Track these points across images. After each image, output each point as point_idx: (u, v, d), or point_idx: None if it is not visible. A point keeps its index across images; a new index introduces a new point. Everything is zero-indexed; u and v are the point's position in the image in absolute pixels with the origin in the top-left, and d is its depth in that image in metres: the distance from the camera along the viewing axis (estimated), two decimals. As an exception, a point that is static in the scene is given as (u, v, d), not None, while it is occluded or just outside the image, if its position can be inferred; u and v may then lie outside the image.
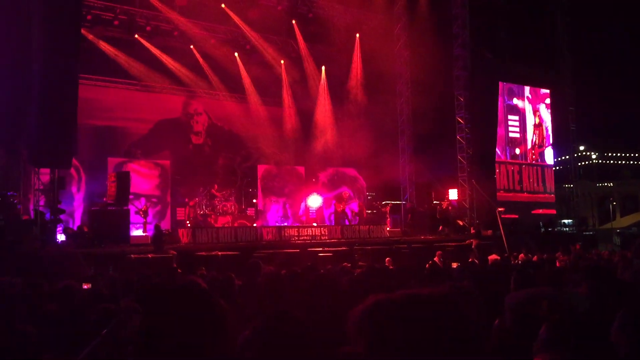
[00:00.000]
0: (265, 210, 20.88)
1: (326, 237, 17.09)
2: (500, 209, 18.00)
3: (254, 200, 20.81)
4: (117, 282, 6.94)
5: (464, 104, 22.54)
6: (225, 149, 21.78)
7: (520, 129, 24.65)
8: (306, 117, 22.78)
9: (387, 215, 20.60)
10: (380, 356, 1.40)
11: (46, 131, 13.61)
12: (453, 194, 22.11)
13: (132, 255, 12.72)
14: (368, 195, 23.36)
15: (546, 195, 25.08)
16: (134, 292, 6.04)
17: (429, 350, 1.37)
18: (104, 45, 18.95)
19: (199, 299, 1.59)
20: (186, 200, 18.60)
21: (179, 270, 9.76)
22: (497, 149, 23.48)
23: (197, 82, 20.93)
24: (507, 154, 24.00)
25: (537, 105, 25.32)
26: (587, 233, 25.71)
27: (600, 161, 68.13)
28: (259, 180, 20.91)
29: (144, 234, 16.14)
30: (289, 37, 22.47)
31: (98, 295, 5.45)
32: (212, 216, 18.25)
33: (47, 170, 14.68)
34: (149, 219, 17.33)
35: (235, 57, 21.40)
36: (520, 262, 11.13)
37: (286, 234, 16.65)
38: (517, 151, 24.39)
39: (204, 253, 13.78)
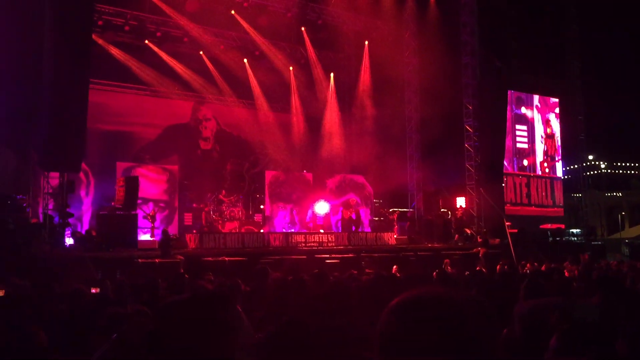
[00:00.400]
0: (273, 216, 20.87)
1: (333, 244, 17.07)
2: (507, 223, 17.80)
3: (262, 206, 20.82)
4: (125, 286, 6.95)
5: (472, 112, 22.49)
6: (234, 154, 21.85)
7: (528, 140, 24.06)
8: (314, 124, 22.82)
9: (395, 223, 20.56)
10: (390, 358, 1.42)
11: (56, 135, 13.71)
12: (461, 202, 22.04)
13: (140, 260, 12.75)
14: (375, 202, 23.33)
15: (555, 209, 24.51)
16: (142, 296, 6.05)
17: (436, 352, 1.38)
18: (114, 51, 19.09)
19: (214, 308, 1.58)
20: (202, 205, 18.70)
21: (186, 276, 9.76)
22: (504, 161, 23.10)
23: (206, 87, 21.04)
24: (515, 165, 23.45)
25: (547, 115, 24.94)
26: (596, 243, 25.51)
27: (609, 171, 67.78)
28: (266, 186, 20.91)
29: (151, 239, 16.17)
30: (298, 44, 22.56)
31: (106, 299, 5.47)
32: (220, 222, 18.29)
33: (57, 174, 14.77)
34: (157, 223, 17.37)
35: (244, 63, 21.50)
36: (528, 271, 11.08)
37: (293, 240, 16.64)
38: (525, 162, 23.80)
39: (211, 258, 13.78)
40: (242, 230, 17.76)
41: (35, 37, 13.94)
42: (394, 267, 12.65)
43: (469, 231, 20.36)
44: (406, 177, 23.01)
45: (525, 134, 24.00)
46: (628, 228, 44.10)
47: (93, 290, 6.99)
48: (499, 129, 22.71)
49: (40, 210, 14.81)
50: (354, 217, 20.02)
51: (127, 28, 19.25)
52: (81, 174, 17.12)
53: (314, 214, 21.00)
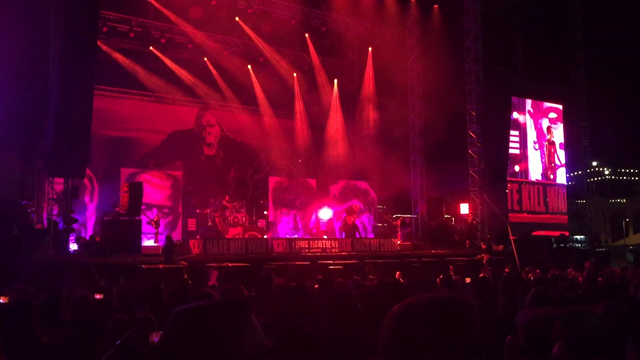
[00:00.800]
0: (276, 222, 20.89)
1: (337, 250, 17.06)
2: (512, 237, 17.63)
3: (265, 212, 20.84)
4: (129, 292, 6.97)
5: (475, 118, 22.49)
6: (237, 160, 21.89)
7: (520, 145, 23.57)
8: (318, 130, 22.85)
9: (398, 229, 20.56)
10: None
11: (61, 141, 13.76)
12: (464, 209, 22.00)
13: (143, 266, 12.76)
14: (379, 208, 23.32)
15: (548, 215, 24.12)
16: (145, 302, 6.06)
17: (442, 353, 1.41)
18: (119, 57, 19.17)
19: (228, 315, 1.57)
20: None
21: (189, 282, 9.77)
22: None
23: (210, 94, 21.11)
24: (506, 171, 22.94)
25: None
26: (600, 249, 25.42)
27: (613, 177, 67.58)
28: (270, 192, 20.93)
29: (155, 245, 16.19)
30: (302, 50, 22.62)
31: (110, 306, 5.48)
32: (223, 227, 18.32)
33: (61, 180, 14.81)
34: (161, 229, 17.38)
35: (248, 69, 21.57)
36: (532, 278, 11.04)
37: (297, 246, 16.63)
38: (517, 168, 23.37)
39: (214, 264, 13.78)
40: (246, 236, 17.77)
41: (41, 43, 14.04)
42: (397, 273, 12.65)
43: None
44: (409, 183, 22.99)
45: (517, 139, 23.52)
46: (632, 234, 43.88)
47: (97, 296, 7.01)
48: (502, 136, 22.67)
49: (45, 215, 14.86)
50: (357, 223, 20.02)
51: (132, 34, 19.33)
52: (85, 180, 17.16)
53: (317, 220, 21.02)
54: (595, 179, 57.53)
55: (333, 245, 17.30)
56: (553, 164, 24.68)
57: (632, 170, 69.08)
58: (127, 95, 19.92)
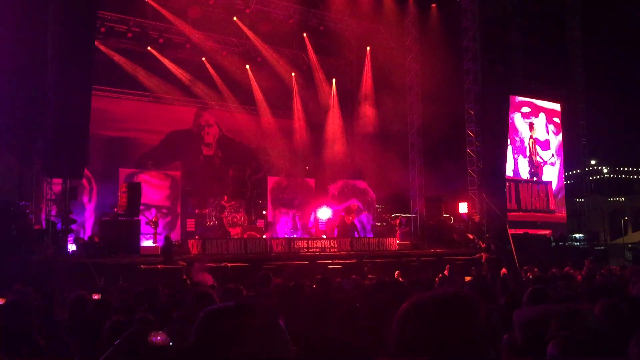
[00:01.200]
0: (275, 222, 20.88)
1: (335, 250, 17.07)
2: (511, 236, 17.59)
3: (264, 212, 20.84)
4: (128, 292, 6.96)
5: (474, 117, 22.50)
6: (236, 160, 21.87)
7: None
8: (316, 129, 22.84)
9: (397, 228, 20.56)
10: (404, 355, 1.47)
11: (59, 141, 13.76)
12: (463, 208, 21.99)
13: (142, 266, 12.76)
14: (378, 208, 23.33)
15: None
16: (143, 303, 6.05)
17: (452, 346, 1.43)
18: (117, 57, 19.15)
19: (260, 317, 1.55)
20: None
21: (188, 282, 9.77)
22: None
23: (208, 94, 21.10)
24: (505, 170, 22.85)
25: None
26: (599, 248, 25.44)
27: (611, 175, 67.65)
28: (268, 192, 20.93)
29: (154, 245, 16.19)
30: (300, 50, 22.62)
31: (109, 306, 5.48)
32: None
33: (59, 181, 14.81)
34: (159, 229, 17.37)
35: (246, 69, 21.56)
36: (530, 276, 11.05)
37: (296, 246, 16.64)
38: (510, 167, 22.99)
39: (213, 264, 13.76)
40: (245, 236, 17.77)
41: (39, 44, 14.02)
42: (396, 272, 12.66)
43: (471, 236, 20.32)
44: (408, 183, 22.99)
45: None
46: (631, 233, 43.92)
47: (95, 297, 7.00)
48: (501, 135, 22.67)
49: (43, 216, 14.86)
50: (356, 222, 20.02)
51: (129, 35, 19.33)
52: (84, 180, 17.15)
53: (316, 220, 21.01)
54: (594, 177, 57.57)
55: (332, 244, 17.30)
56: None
57: (630, 169, 69.17)
58: (125, 95, 19.90)
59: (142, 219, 16.32)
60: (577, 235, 27.24)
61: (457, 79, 22.33)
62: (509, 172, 22.90)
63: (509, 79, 23.42)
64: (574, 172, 29.30)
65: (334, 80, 23.25)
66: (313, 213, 21.30)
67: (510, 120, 23.43)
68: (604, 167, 66.57)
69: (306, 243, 17.07)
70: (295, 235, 19.94)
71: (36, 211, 15.28)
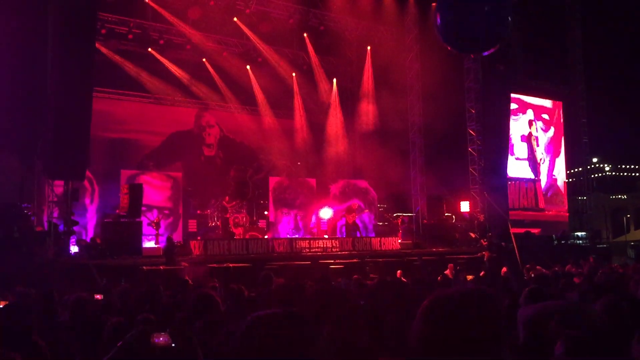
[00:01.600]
0: (277, 222, 20.89)
1: (337, 249, 17.06)
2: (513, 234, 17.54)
3: (266, 212, 20.85)
4: (130, 294, 6.96)
5: (475, 116, 22.48)
6: (237, 161, 21.86)
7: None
8: (317, 129, 22.84)
9: (399, 227, 20.54)
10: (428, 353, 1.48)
11: (61, 143, 13.77)
12: (465, 207, 21.96)
13: (144, 267, 12.77)
14: (379, 207, 23.33)
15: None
16: (144, 304, 6.05)
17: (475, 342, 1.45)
18: (117, 59, 19.17)
19: (305, 326, 1.55)
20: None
21: (190, 283, 9.76)
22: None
23: (209, 94, 21.11)
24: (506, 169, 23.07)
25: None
26: (601, 246, 25.40)
27: (614, 173, 67.53)
28: (270, 192, 20.93)
29: (156, 246, 16.19)
30: (301, 50, 22.61)
31: (110, 308, 5.48)
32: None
33: (61, 182, 14.81)
34: (161, 230, 17.39)
35: (247, 69, 21.56)
36: (533, 275, 11.04)
37: (297, 246, 16.64)
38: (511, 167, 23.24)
39: (215, 265, 13.79)
40: (246, 237, 17.77)
41: (39, 46, 14.04)
42: (398, 271, 12.66)
43: (473, 235, 20.30)
44: (409, 182, 22.98)
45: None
46: (633, 230, 43.84)
47: (97, 297, 7.01)
48: (502, 133, 22.63)
49: (45, 218, 14.87)
50: (358, 222, 20.03)
51: (130, 36, 19.33)
52: (85, 182, 17.16)
53: (318, 220, 21.01)
54: (596, 175, 57.50)
55: (334, 244, 17.30)
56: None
57: (632, 167, 69.06)
58: (126, 96, 19.92)
59: (144, 220, 16.33)
60: (579, 234, 27.21)
61: (458, 77, 22.32)
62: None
63: (509, 78, 23.39)
64: (576, 170, 29.27)
65: (334, 80, 23.25)
66: (315, 213, 21.30)
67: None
68: (606, 165, 66.47)
69: (308, 243, 17.07)
70: (297, 235, 19.95)
71: (38, 213, 15.30)
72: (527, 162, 24.78)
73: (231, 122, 22.16)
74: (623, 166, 68.80)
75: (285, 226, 21.09)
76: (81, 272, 12.04)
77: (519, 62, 24.35)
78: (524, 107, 24.84)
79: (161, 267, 12.91)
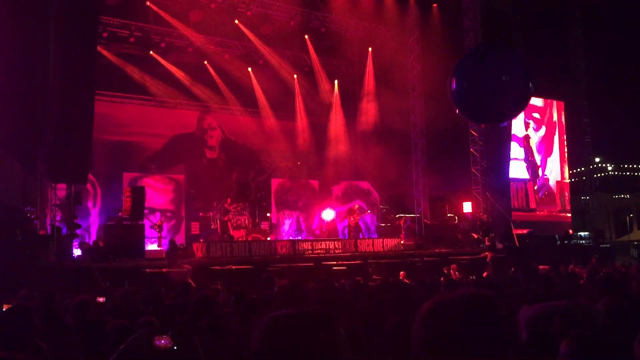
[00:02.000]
0: (279, 224, 20.90)
1: (340, 251, 17.05)
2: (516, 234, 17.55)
3: (268, 214, 20.86)
4: (132, 296, 6.97)
5: (477, 117, 22.42)
6: (239, 163, 21.90)
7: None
8: (319, 131, 22.86)
9: (401, 229, 20.54)
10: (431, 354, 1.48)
11: (63, 147, 13.81)
12: (467, 207, 21.93)
13: (147, 270, 12.79)
14: (382, 209, 23.32)
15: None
16: (147, 306, 6.06)
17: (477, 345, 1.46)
18: (119, 62, 19.22)
19: (323, 326, 1.54)
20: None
21: (193, 285, 9.77)
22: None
23: (211, 97, 21.15)
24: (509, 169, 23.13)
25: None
26: (604, 245, 25.35)
27: (616, 173, 67.36)
28: (272, 194, 20.95)
29: (158, 249, 16.22)
30: (302, 52, 22.64)
31: (113, 310, 5.48)
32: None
33: (64, 186, 14.85)
34: (164, 233, 17.42)
35: (248, 71, 21.59)
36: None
37: (300, 248, 16.63)
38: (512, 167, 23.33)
39: (218, 267, 13.79)
40: (249, 239, 17.78)
41: (41, 49, 14.06)
42: (401, 273, 12.64)
43: (475, 236, 20.28)
44: (412, 183, 22.96)
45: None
46: (636, 230, 43.75)
47: (100, 299, 7.02)
48: (504, 134, 22.61)
49: (48, 221, 14.88)
50: (360, 223, 20.02)
51: (132, 39, 19.39)
52: (88, 185, 17.19)
53: (320, 221, 21.02)
54: (599, 175, 57.39)
55: (336, 246, 17.29)
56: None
57: (635, 166, 68.90)
58: (128, 100, 19.96)
59: (147, 222, 16.36)
60: (582, 233, 27.17)
61: (459, 78, 22.26)
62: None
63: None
64: (579, 170, 29.22)
65: (336, 82, 23.27)
66: (317, 215, 21.31)
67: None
68: (608, 165, 66.31)
69: (310, 245, 17.06)
70: (299, 237, 19.94)
71: (41, 216, 15.30)
72: (523, 163, 24.70)
73: (233, 124, 22.19)
74: (626, 166, 68.64)
75: (287, 228, 21.10)
76: (84, 275, 12.05)
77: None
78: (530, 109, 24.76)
79: (164, 270, 12.93)
